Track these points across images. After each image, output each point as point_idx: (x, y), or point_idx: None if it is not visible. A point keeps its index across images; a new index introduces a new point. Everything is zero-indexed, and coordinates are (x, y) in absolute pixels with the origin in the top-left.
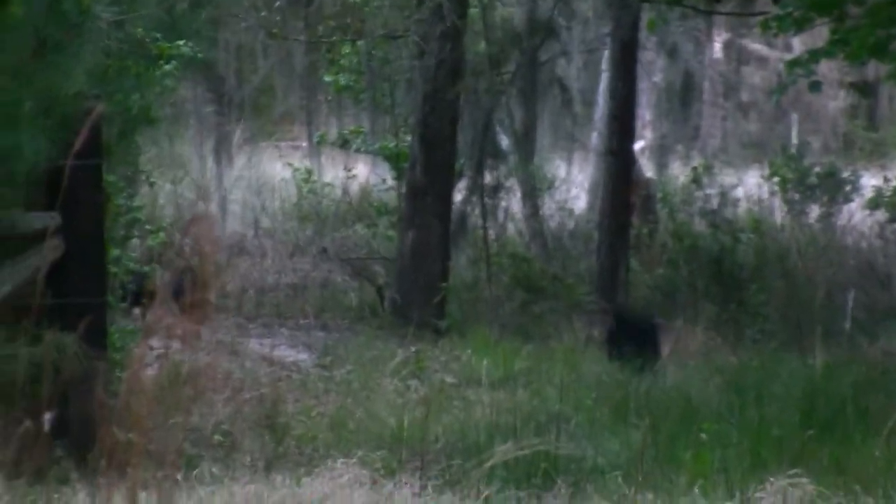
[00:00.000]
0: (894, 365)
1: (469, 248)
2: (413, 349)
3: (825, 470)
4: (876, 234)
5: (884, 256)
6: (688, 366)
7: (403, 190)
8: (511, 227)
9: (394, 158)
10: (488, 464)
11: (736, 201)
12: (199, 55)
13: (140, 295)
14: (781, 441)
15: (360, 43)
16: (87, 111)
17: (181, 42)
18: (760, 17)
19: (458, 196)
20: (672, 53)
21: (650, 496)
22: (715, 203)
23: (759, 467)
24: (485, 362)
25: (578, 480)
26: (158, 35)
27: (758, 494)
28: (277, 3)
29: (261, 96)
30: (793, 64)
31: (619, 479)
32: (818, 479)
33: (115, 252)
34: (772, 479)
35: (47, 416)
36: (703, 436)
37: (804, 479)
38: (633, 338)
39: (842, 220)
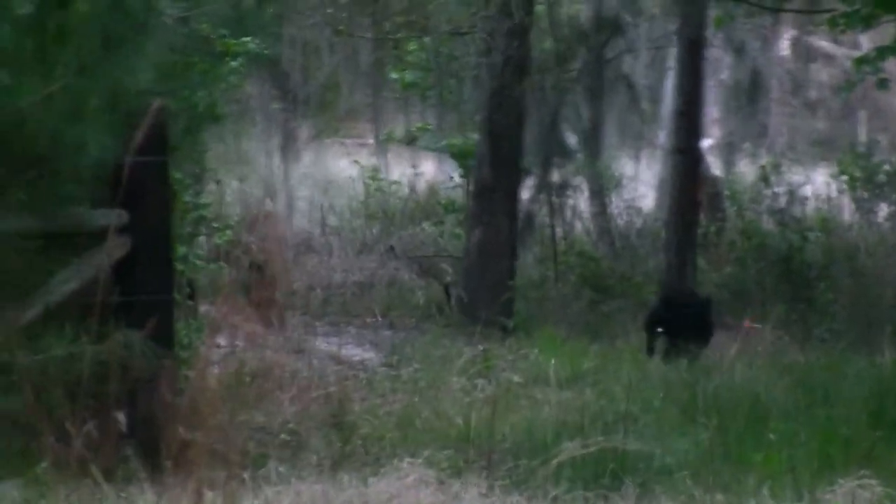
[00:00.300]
0: None
1: (536, 247)
2: (480, 348)
3: (894, 472)
4: None
5: None
6: (756, 365)
7: (470, 187)
8: (578, 226)
9: (460, 156)
10: (555, 461)
11: (804, 200)
12: (265, 52)
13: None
14: (850, 442)
15: (426, 39)
16: (152, 108)
17: (247, 38)
18: (828, 15)
19: (525, 194)
20: (739, 51)
21: (719, 497)
22: (783, 201)
23: (828, 468)
24: (552, 361)
25: (646, 480)
26: (224, 31)
27: (826, 496)
28: (344, 0)
29: (327, 93)
30: (860, 61)
31: (687, 480)
32: (887, 481)
33: (182, 250)
34: (840, 480)
35: (121, 416)
36: (772, 436)
37: (873, 481)
38: (679, 321)
39: None
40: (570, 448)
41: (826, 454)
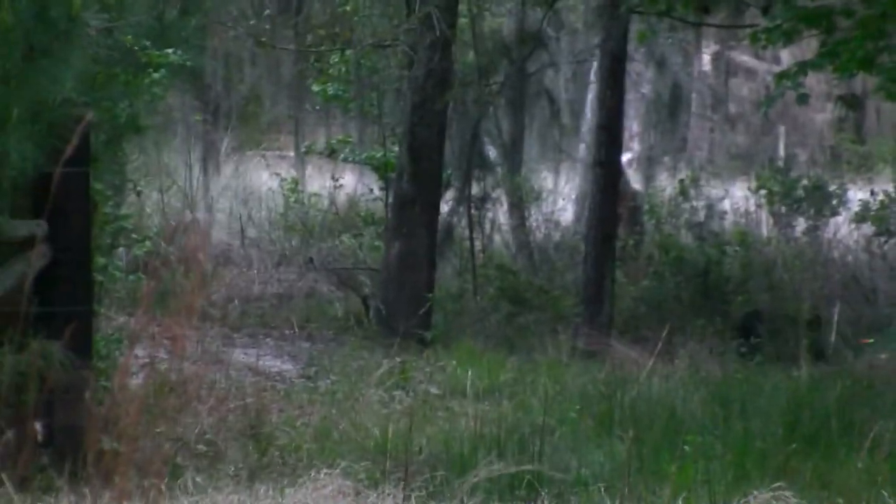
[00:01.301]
0: (879, 379)
1: (455, 259)
2: (398, 360)
3: (809, 484)
4: (862, 248)
5: (870, 270)
6: (672, 378)
7: (390, 200)
8: (497, 239)
9: (381, 168)
10: (473, 479)
11: (722, 214)
12: (188, 63)
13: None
14: (765, 454)
15: (348, 52)
16: (75, 119)
17: (170, 50)
18: (749, 30)
19: (444, 207)
20: (660, 65)
21: None
22: (701, 215)
23: (743, 480)
24: (470, 373)
25: (562, 492)
26: (147, 43)
27: None
28: (266, 12)
29: (249, 105)
30: (781, 76)
31: (603, 492)
32: (802, 493)
33: (101, 261)
34: (755, 492)
35: (38, 425)
36: (687, 448)
37: (787, 493)
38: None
39: (828, 233)
40: (488, 467)
41: (742, 466)
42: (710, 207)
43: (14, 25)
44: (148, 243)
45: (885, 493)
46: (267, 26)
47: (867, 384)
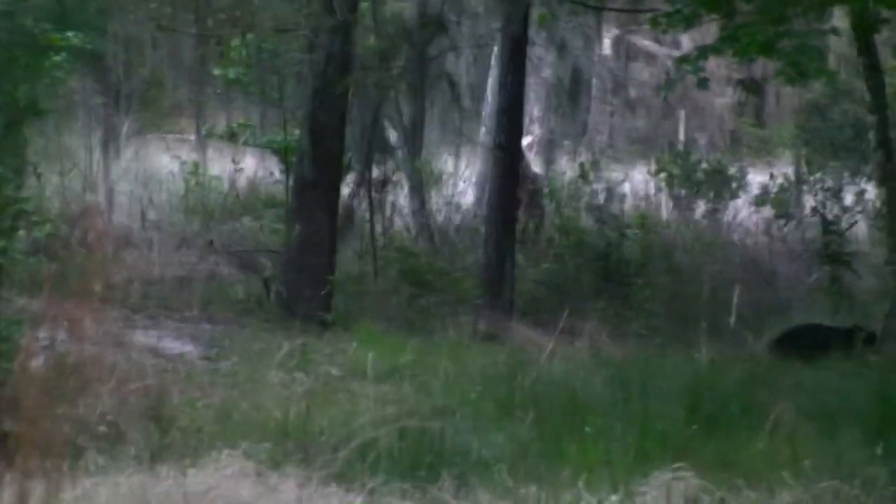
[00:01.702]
0: (778, 360)
1: (356, 242)
2: (299, 342)
3: (709, 464)
4: (762, 231)
5: (769, 253)
6: (573, 360)
7: (291, 183)
8: (398, 222)
9: (282, 152)
10: (368, 450)
11: (622, 197)
12: (89, 47)
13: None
14: (666, 435)
15: (249, 36)
16: None
17: (71, 33)
18: (650, 14)
19: (345, 190)
20: (561, 49)
21: (534, 489)
22: (602, 199)
23: (644, 461)
24: (370, 355)
25: (463, 473)
26: (48, 26)
27: (641, 488)
28: None
29: (150, 89)
30: (681, 60)
31: (504, 472)
32: (702, 474)
33: (1, 243)
34: (656, 472)
35: None
36: (588, 429)
37: (688, 473)
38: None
39: (728, 216)
40: (384, 436)
41: (642, 447)
42: (610, 191)
43: None
44: (49, 226)
45: (785, 474)
46: (168, 10)
47: (766, 366)
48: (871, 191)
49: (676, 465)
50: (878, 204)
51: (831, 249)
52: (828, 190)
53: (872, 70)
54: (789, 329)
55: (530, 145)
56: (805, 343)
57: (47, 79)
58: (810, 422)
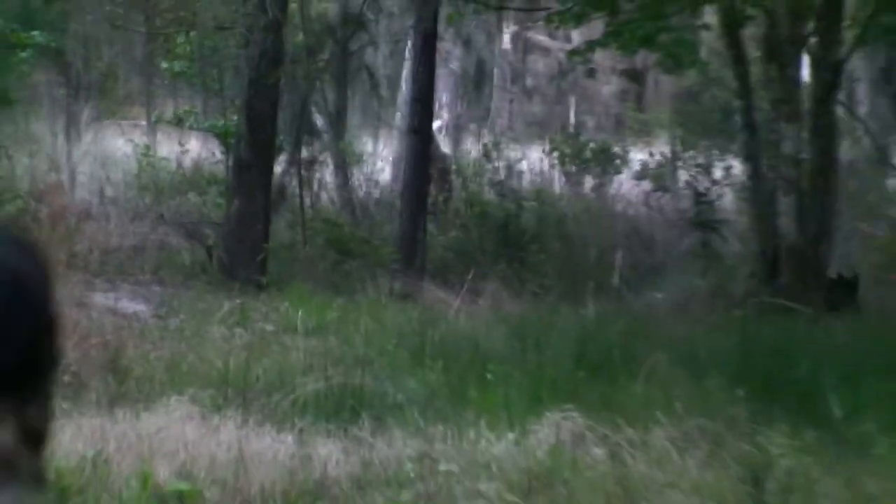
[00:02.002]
0: (655, 316)
1: (287, 214)
2: (238, 302)
3: (594, 406)
4: (641, 202)
5: (648, 221)
6: (477, 316)
7: (230, 163)
8: (324, 196)
9: (223, 135)
10: (301, 397)
11: (520, 174)
12: (52, 44)
13: None
14: (556, 381)
15: (192, 34)
16: None
17: (36, 32)
18: (545, 12)
19: (278, 169)
20: (467, 44)
21: (441, 428)
22: (502, 175)
23: (537, 403)
24: (300, 313)
25: (381, 414)
26: (15, 26)
27: (535, 427)
28: None
29: (106, 81)
30: (572, 53)
31: (416, 414)
32: (588, 414)
33: None
34: (547, 413)
35: None
36: (489, 377)
37: (575, 414)
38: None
39: (612, 189)
40: (313, 385)
41: (536, 392)
42: (509, 168)
43: None
44: (19, 201)
45: (659, 414)
46: (120, 11)
47: (644, 321)
48: (737, 166)
49: (565, 406)
50: (743, 178)
51: (702, 217)
52: (699, 166)
53: (739, 61)
54: None
55: (440, 129)
56: None
57: (16, 72)
58: (681, 369)
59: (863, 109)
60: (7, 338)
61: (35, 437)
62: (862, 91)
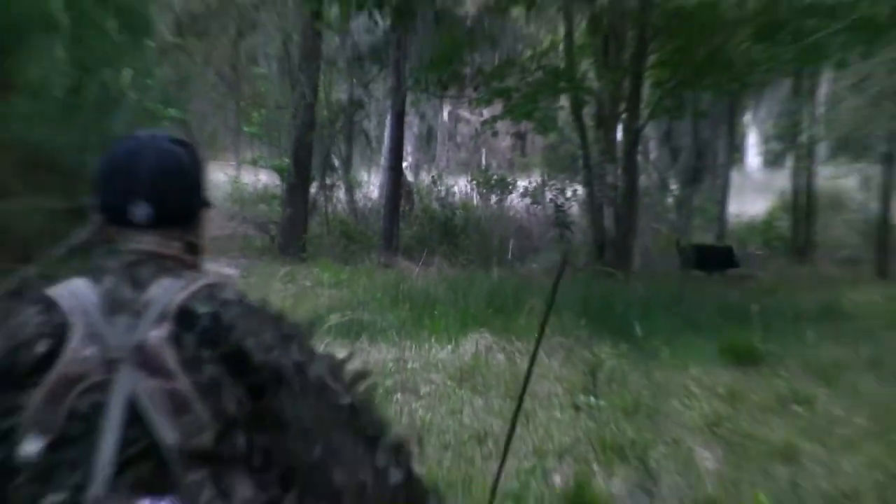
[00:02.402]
0: (532, 277)
1: (318, 217)
2: (289, 268)
3: (498, 329)
4: (524, 211)
5: (528, 222)
6: (429, 278)
7: (284, 187)
8: (339, 207)
9: (280, 170)
10: (325, 325)
11: (454, 193)
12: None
13: None
14: (475, 316)
15: (263, 110)
16: None
17: (172, 109)
18: (468, 98)
19: (312, 190)
20: (422, 117)
21: (409, 342)
22: (443, 194)
23: (464, 327)
24: (325, 275)
25: (373, 335)
26: (159, 105)
27: (463, 342)
28: None
29: (212, 138)
30: (485, 123)
31: (394, 334)
32: (494, 334)
33: None
34: (471, 334)
35: None
36: (437, 313)
37: (487, 334)
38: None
39: (507, 203)
40: (335, 318)
41: (464, 321)
42: (447, 190)
43: None
44: None
45: (535, 334)
46: (220, 96)
47: (527, 280)
48: (580, 189)
49: (481, 329)
50: (583, 196)
51: (560, 220)
52: (558, 189)
53: (580, 127)
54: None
55: (407, 166)
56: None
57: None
58: (550, 309)
59: (653, 156)
60: (195, 186)
61: (195, 249)
62: (652, 145)
